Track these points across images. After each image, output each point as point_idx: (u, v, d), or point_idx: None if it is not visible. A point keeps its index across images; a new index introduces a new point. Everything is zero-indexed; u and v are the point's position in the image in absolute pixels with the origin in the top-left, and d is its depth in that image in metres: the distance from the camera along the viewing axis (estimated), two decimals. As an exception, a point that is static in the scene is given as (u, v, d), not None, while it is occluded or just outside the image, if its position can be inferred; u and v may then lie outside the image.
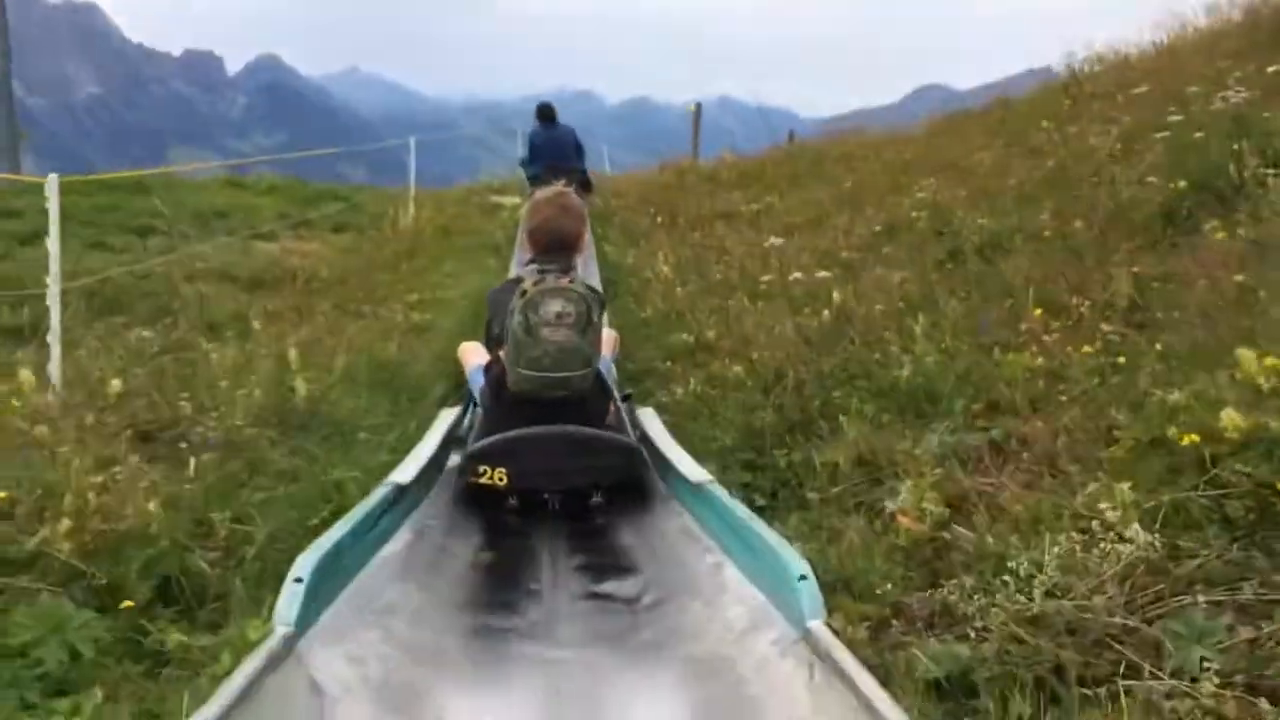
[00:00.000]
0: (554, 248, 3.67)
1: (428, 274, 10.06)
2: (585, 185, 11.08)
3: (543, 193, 3.99)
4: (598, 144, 27.16)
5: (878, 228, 8.13)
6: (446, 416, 4.31)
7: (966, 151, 10.15)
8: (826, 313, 5.75)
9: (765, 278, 7.37)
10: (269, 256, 10.26)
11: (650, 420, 4.22)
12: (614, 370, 4.82)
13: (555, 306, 3.20)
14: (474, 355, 4.36)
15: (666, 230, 10.77)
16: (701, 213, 11.39)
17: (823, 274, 7.19)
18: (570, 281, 3.31)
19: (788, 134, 19.59)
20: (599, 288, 8.73)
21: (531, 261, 3.68)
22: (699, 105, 17.45)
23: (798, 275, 7.40)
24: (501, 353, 3.46)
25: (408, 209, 12.76)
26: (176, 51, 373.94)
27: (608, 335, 4.09)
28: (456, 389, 5.69)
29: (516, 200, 14.26)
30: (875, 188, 10.09)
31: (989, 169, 8.56)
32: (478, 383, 4.00)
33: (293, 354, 4.88)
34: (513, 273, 8.92)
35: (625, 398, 4.35)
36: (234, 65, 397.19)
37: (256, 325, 6.38)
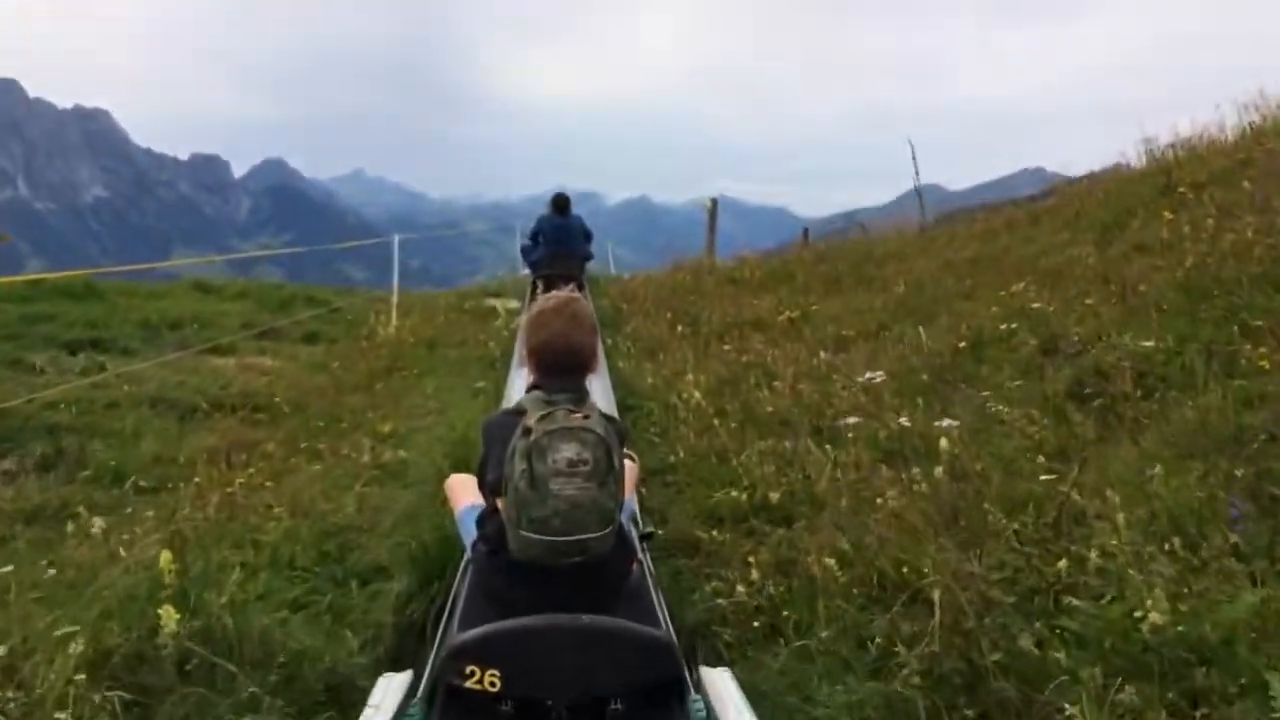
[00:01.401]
0: (563, 369, 2.91)
1: (407, 395, 8.44)
2: (580, 286, 10.82)
3: (547, 300, 3.07)
4: (602, 241, 25.95)
5: (961, 343, 6.53)
6: (385, 691, 2.72)
7: (1042, 250, 8.63)
8: (939, 471, 4.11)
9: (831, 410, 5.76)
10: (221, 375, 8.66)
11: (722, 684, 2.64)
12: (635, 504, 3.89)
13: (568, 452, 2.53)
14: (465, 493, 3.51)
15: (689, 341, 9.18)
16: (728, 320, 9.82)
17: (891, 406, 5.60)
18: (586, 417, 2.61)
19: (802, 232, 18.24)
20: (615, 413, 7.15)
21: (535, 387, 2.90)
22: (715, 201, 16.04)
23: (854, 398, 5.81)
24: (499, 503, 2.72)
25: (390, 316, 11.18)
26: (183, 155, 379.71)
27: (628, 468, 3.13)
28: (425, 586, 4.04)
29: (514, 304, 12.74)
30: (938, 293, 8.52)
31: (1090, 271, 7.00)
32: (469, 531, 3.22)
33: (165, 557, 3.20)
34: (509, 395, 7.40)
35: (645, 537, 3.66)
36: (240, 168, 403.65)
37: (148, 483, 4.71)
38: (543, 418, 2.57)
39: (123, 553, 3.68)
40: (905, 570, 3.32)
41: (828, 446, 5.14)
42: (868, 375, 6.74)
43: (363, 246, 11.97)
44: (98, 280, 11.48)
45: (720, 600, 3.87)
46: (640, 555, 3.37)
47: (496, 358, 9.63)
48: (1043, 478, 3.77)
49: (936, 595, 2.89)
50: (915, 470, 4.20)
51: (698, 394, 6.67)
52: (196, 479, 5.61)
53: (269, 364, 9.49)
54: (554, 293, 3.15)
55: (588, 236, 11.32)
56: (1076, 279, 7.07)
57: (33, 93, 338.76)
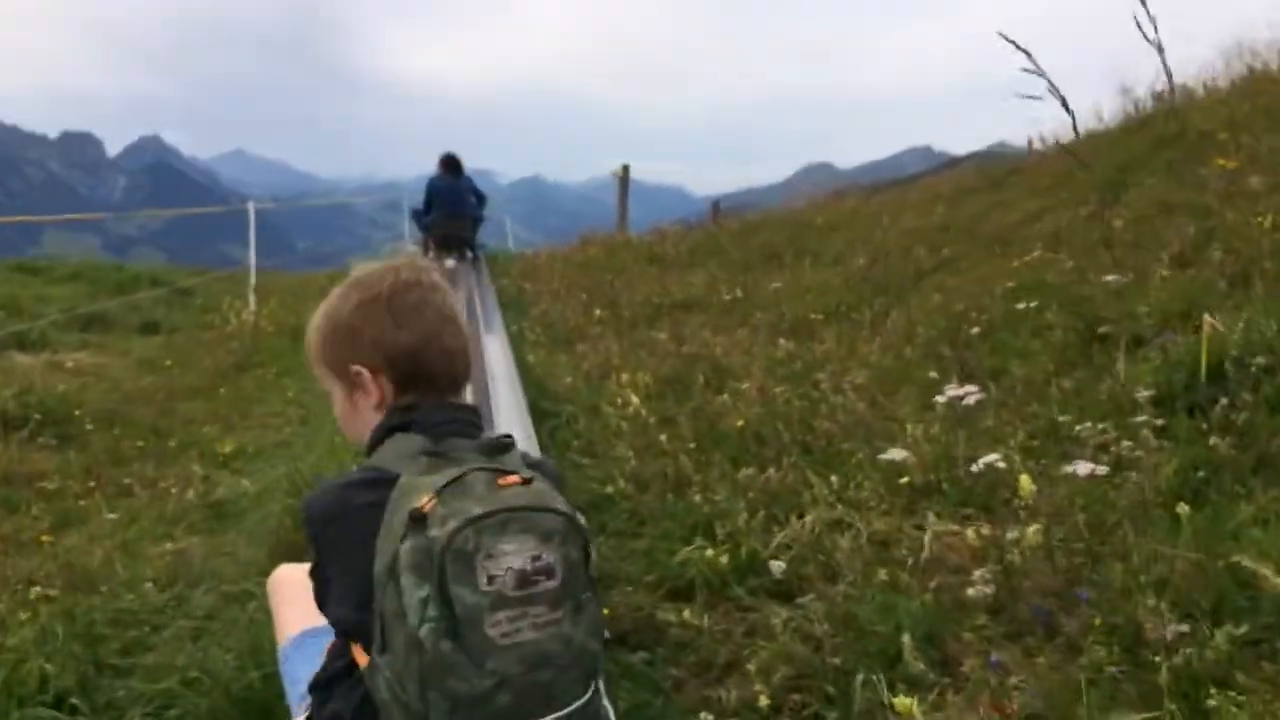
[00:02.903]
0: (442, 384, 1.58)
1: (261, 400, 6.74)
2: (473, 248, 11.06)
3: (392, 272, 1.61)
4: (499, 217, 24.24)
5: (968, 326, 5.14)
6: None
7: (1028, 215, 7.32)
8: (1019, 533, 2.66)
9: (823, 423, 4.30)
10: (20, 377, 6.79)
11: None
12: None
13: (517, 558, 1.29)
14: (298, 611, 1.97)
15: (610, 326, 7.64)
16: (654, 301, 8.31)
17: (902, 417, 4.17)
18: (526, 482, 1.38)
19: (712, 205, 16.88)
20: (530, 431, 5.56)
21: (396, 427, 1.52)
22: (627, 169, 14.47)
23: (850, 405, 4.37)
24: (365, 657, 1.37)
25: (246, 301, 9.35)
26: (53, 133, 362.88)
27: None
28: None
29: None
30: (907, 266, 7.15)
31: (1112, 235, 5.67)
32: (293, 685, 1.87)
33: None
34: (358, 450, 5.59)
35: None
36: (114, 147, 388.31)
37: None
38: (447, 489, 1.32)
39: None
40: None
41: (833, 479, 3.67)
42: (784, 343, 5.26)
43: (247, 227, 10.17)
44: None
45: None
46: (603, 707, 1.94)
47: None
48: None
49: None
50: (1009, 532, 2.72)
51: (635, 398, 5.14)
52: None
53: (91, 360, 7.63)
54: (394, 259, 1.67)
55: (480, 198, 11.12)
56: (1091, 246, 5.75)
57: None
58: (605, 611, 3.22)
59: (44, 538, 4.16)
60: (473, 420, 1.55)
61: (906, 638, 2.40)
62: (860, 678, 2.35)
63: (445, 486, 1.31)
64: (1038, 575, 2.59)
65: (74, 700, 2.83)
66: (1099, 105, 9.29)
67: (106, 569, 3.80)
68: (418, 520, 1.27)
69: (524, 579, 1.27)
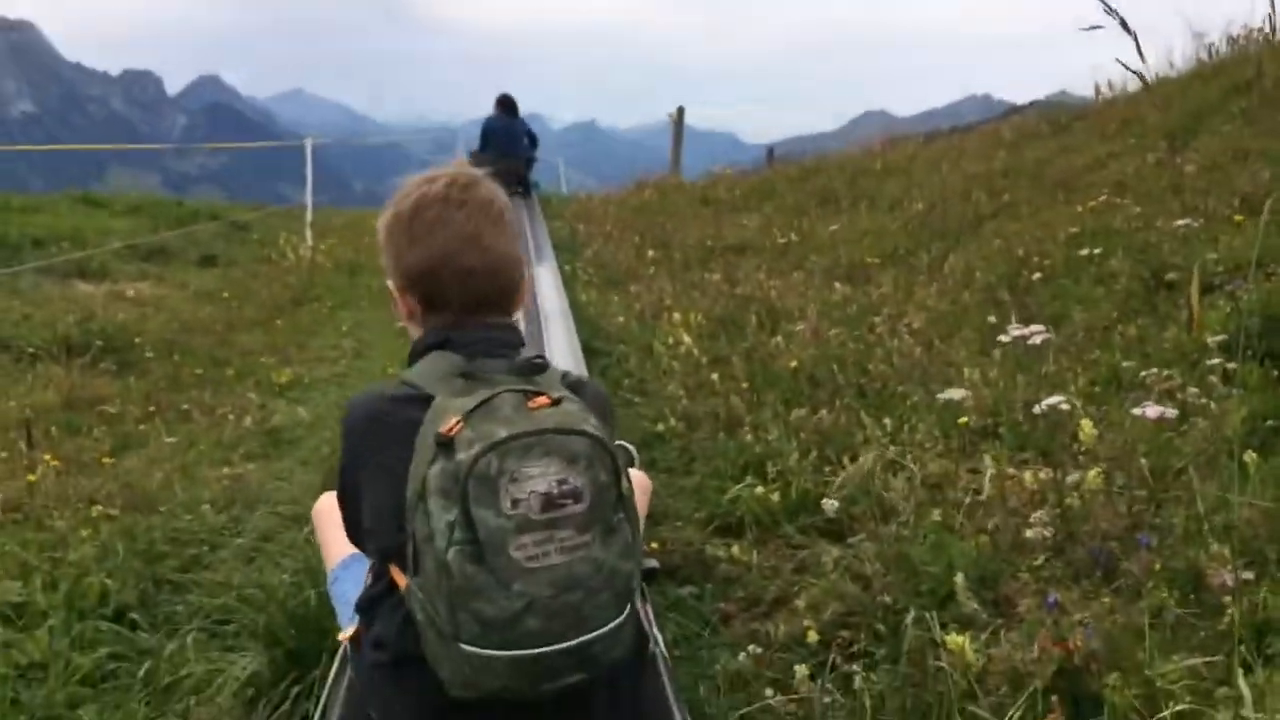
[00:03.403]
0: (480, 303, 1.53)
1: (317, 333, 6.80)
2: (526, 186, 10.92)
3: (429, 181, 1.56)
4: (553, 161, 24.14)
5: (1029, 272, 5.04)
6: None
7: (1093, 161, 7.12)
8: (1079, 477, 2.59)
9: (878, 365, 4.25)
10: (83, 306, 6.92)
11: None
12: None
13: (542, 481, 1.27)
14: (340, 538, 1.83)
15: (663, 268, 7.59)
16: (707, 243, 8.23)
17: (959, 360, 4.10)
18: (556, 402, 1.36)
19: (767, 152, 16.67)
20: (584, 370, 5.56)
21: (434, 345, 1.50)
22: (682, 111, 14.29)
23: (907, 349, 4.31)
24: (398, 578, 1.39)
25: (303, 236, 9.41)
26: (115, 71, 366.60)
27: (635, 483, 1.53)
28: (284, 674, 2.47)
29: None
30: (966, 211, 7.00)
31: (1183, 182, 5.51)
32: (346, 612, 1.79)
33: None
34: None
35: (646, 575, 1.99)
36: (174, 85, 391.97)
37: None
38: (475, 411, 1.31)
39: None
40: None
41: (887, 421, 3.63)
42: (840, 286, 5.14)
43: (304, 167, 10.23)
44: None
45: (770, 695, 2.35)
46: (650, 635, 1.92)
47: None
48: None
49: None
50: (1070, 475, 2.67)
51: (687, 338, 5.11)
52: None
53: (148, 292, 7.74)
54: (440, 170, 1.61)
55: (533, 140, 11.27)
56: (1160, 192, 5.59)
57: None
58: (654, 545, 3.23)
59: (105, 459, 4.24)
60: (509, 340, 1.53)
61: (960, 577, 2.37)
62: (911, 616, 2.33)
63: (474, 410, 1.31)
64: (1097, 519, 2.54)
65: (133, 615, 2.90)
66: (1170, 51, 8.99)
67: (165, 490, 3.87)
68: (444, 444, 1.28)
69: (549, 502, 1.27)
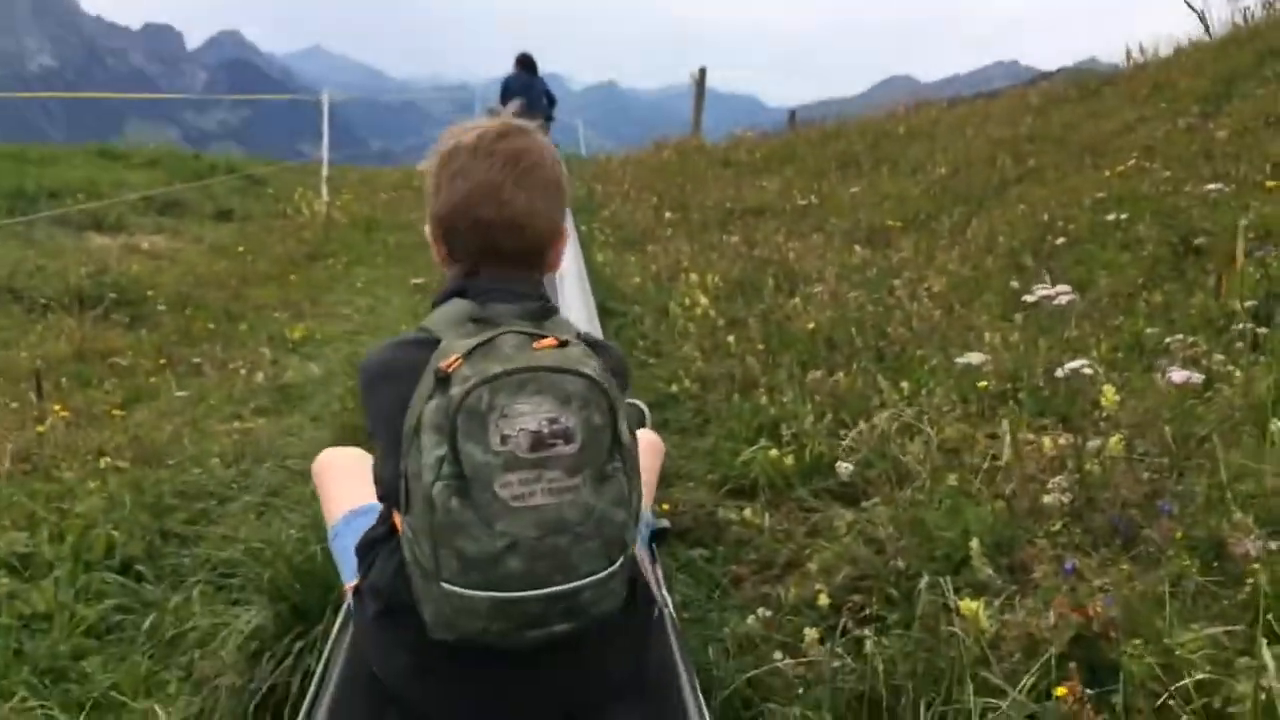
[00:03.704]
0: (505, 256, 1.50)
1: (331, 289, 6.77)
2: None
3: (473, 128, 1.50)
4: (572, 122, 23.99)
5: (1053, 237, 4.95)
6: None
7: (1122, 125, 6.99)
8: (1100, 443, 2.53)
9: (897, 329, 4.18)
10: (97, 258, 6.89)
11: None
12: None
13: (532, 419, 1.24)
14: (347, 488, 1.99)
15: (681, 229, 7.52)
16: (726, 205, 8.14)
17: (979, 325, 4.02)
18: (562, 344, 1.33)
19: (789, 115, 16.48)
20: (599, 332, 5.50)
21: (454, 292, 1.49)
22: (703, 71, 14.12)
23: (926, 312, 4.24)
24: (398, 521, 1.39)
25: (319, 192, 9.36)
26: (135, 25, 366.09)
27: (645, 443, 1.77)
28: (289, 628, 2.44)
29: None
30: (991, 175, 6.89)
31: (1215, 147, 5.39)
32: (348, 565, 1.71)
33: None
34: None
35: (657, 536, 2.14)
36: (194, 40, 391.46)
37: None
38: (476, 351, 1.29)
39: None
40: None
41: (904, 384, 3.56)
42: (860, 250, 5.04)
43: (320, 124, 10.15)
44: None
45: (779, 658, 2.31)
46: (659, 597, 1.94)
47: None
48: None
49: None
50: (1091, 441, 2.61)
51: (704, 299, 5.05)
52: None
53: (163, 245, 7.72)
54: (483, 120, 1.55)
55: (551, 100, 11.15)
56: (1190, 158, 5.48)
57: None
58: (666, 506, 3.19)
59: (115, 411, 4.22)
60: (523, 291, 1.48)
61: (975, 542, 2.32)
62: (925, 581, 2.28)
63: (475, 348, 1.28)
64: (1117, 486, 2.48)
65: (139, 567, 2.88)
66: (1207, 16, 8.80)
67: (175, 444, 3.85)
68: (442, 380, 1.26)
69: (539, 441, 1.23)
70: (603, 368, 1.31)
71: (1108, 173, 5.67)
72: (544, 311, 1.43)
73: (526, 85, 10.72)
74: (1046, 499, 2.44)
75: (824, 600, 2.47)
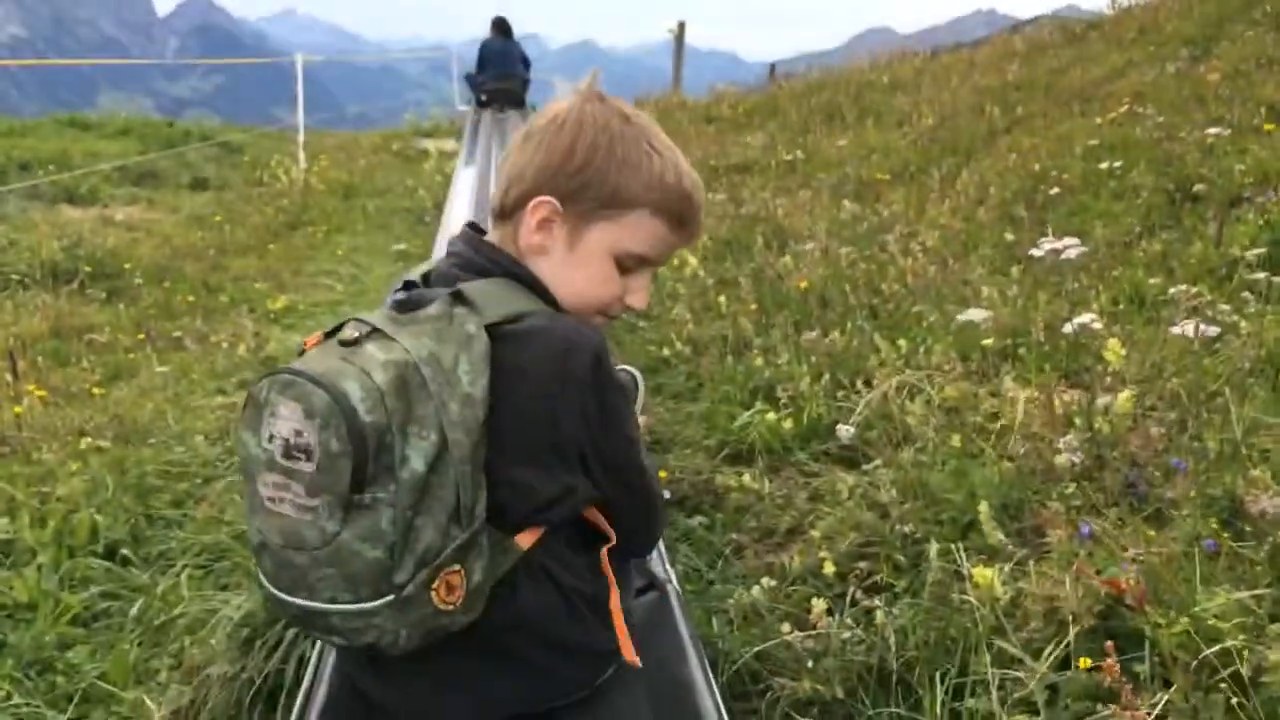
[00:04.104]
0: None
1: (311, 258, 6.64)
2: (521, 104, 11.28)
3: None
4: (549, 79, 23.68)
5: (1046, 186, 4.86)
6: None
7: (1111, 71, 6.89)
8: (1109, 399, 2.47)
9: (891, 285, 4.10)
10: (74, 230, 6.74)
11: None
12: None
13: (284, 424, 1.10)
14: None
15: (665, 188, 7.39)
16: (711, 162, 8.02)
17: (974, 279, 3.95)
18: (353, 341, 1.14)
19: (769, 69, 16.28)
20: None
21: None
22: (682, 25, 13.91)
23: (920, 267, 4.17)
24: None
25: (296, 159, 9.18)
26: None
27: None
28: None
29: (450, 146, 10.85)
30: (978, 125, 6.79)
31: (1207, 91, 5.30)
32: None
33: None
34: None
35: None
36: (164, 6, 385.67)
37: None
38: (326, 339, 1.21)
39: None
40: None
41: (901, 342, 3.49)
42: (849, 204, 4.94)
43: (295, 88, 9.97)
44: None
45: (787, 630, 2.25)
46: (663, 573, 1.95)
47: (427, 209, 7.79)
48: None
49: None
50: (1100, 398, 2.54)
51: (693, 259, 4.96)
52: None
53: (139, 216, 7.56)
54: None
55: (526, 63, 11.59)
56: (1181, 102, 5.39)
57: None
58: (662, 474, 3.13)
59: (94, 389, 4.12)
60: (451, 275, 1.33)
61: (984, 506, 2.25)
62: (934, 547, 2.22)
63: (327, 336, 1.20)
64: (1127, 443, 2.42)
65: (125, 551, 2.80)
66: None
67: (157, 421, 3.76)
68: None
69: (288, 450, 1.12)
70: (394, 382, 1.13)
71: (1099, 120, 5.58)
72: (410, 303, 1.26)
73: (503, 49, 11.09)
74: (1057, 459, 2.38)
75: (829, 569, 2.41)
